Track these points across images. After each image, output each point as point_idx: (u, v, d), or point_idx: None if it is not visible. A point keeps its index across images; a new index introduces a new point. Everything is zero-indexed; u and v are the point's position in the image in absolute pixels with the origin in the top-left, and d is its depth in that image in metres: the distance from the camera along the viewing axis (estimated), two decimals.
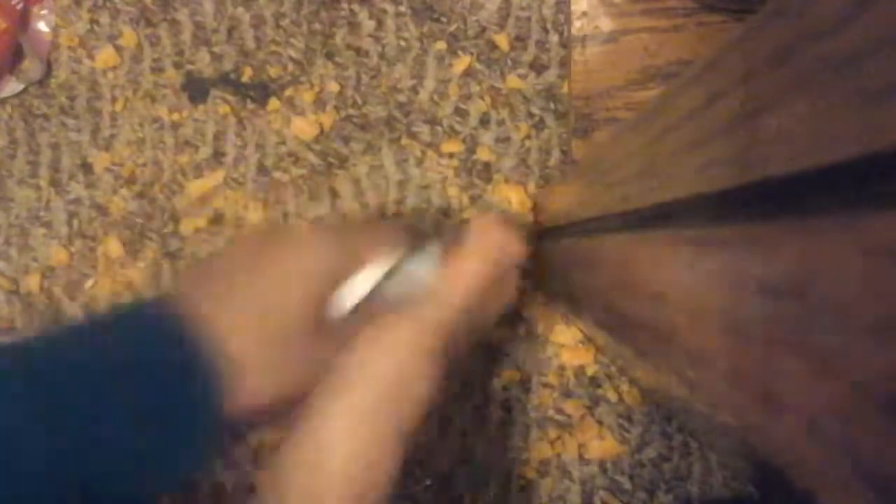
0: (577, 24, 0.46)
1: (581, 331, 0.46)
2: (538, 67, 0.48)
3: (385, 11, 0.50)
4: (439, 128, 0.49)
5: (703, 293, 0.17)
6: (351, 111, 0.49)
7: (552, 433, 0.46)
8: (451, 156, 0.48)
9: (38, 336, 0.27)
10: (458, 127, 0.48)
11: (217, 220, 0.49)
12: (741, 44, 0.15)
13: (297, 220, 0.47)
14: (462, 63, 0.49)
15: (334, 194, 0.49)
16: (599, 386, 0.46)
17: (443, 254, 0.34)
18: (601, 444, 0.46)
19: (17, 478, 0.23)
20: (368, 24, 0.50)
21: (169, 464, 0.27)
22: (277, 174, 0.49)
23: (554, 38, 0.48)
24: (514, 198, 0.48)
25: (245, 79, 0.50)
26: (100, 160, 0.50)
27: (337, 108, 0.49)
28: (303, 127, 0.49)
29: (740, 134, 0.15)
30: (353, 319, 0.32)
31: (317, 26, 0.50)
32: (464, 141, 0.48)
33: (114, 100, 0.51)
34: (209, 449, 0.28)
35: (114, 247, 0.50)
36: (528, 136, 0.48)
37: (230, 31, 0.50)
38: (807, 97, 0.12)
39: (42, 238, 0.50)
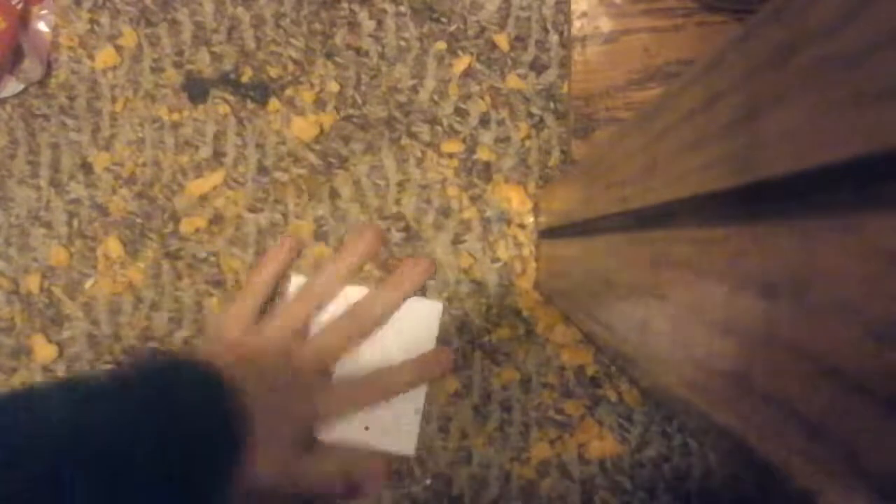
0: (577, 24, 0.46)
1: (581, 331, 0.46)
2: (538, 67, 0.48)
3: (385, 11, 0.50)
4: (439, 128, 0.49)
5: (703, 293, 0.17)
6: (351, 111, 0.49)
7: (552, 433, 0.46)
8: (451, 156, 0.48)
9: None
10: (458, 127, 0.48)
11: (217, 220, 0.49)
12: (741, 44, 0.15)
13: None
14: (462, 63, 0.49)
15: (334, 194, 0.49)
16: (599, 386, 0.46)
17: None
18: (601, 444, 0.46)
19: None
20: (368, 24, 0.50)
21: None
22: (277, 174, 0.49)
23: (554, 38, 0.48)
24: (514, 198, 0.48)
25: (245, 79, 0.50)
26: (100, 160, 0.50)
27: (337, 108, 0.49)
28: (303, 127, 0.49)
29: (740, 134, 0.15)
30: (328, 453, 0.40)
31: (317, 26, 0.50)
32: (464, 141, 0.48)
33: (114, 100, 0.51)
34: None
35: (114, 247, 0.50)
36: (528, 136, 0.48)
37: (230, 31, 0.50)
38: (807, 97, 0.12)
39: (42, 238, 0.50)
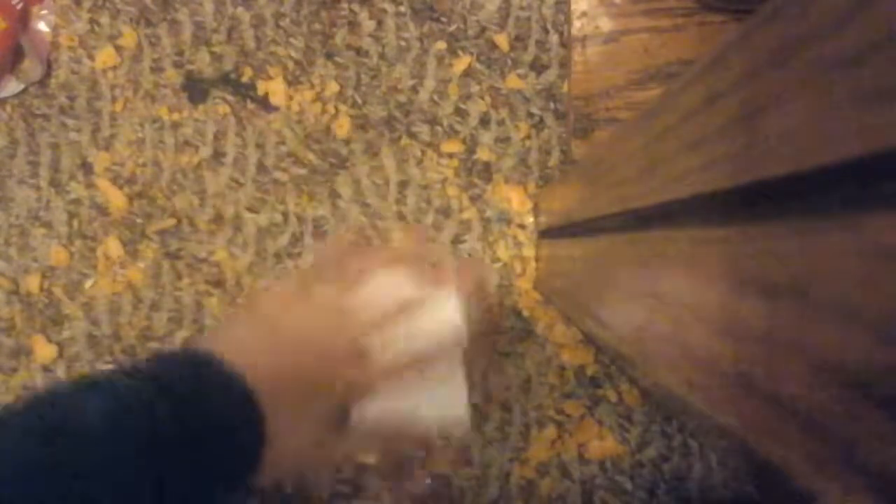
0: (577, 24, 0.46)
1: (581, 331, 0.46)
2: (538, 67, 0.48)
3: (385, 11, 0.50)
4: (439, 128, 0.49)
5: (703, 293, 0.17)
6: (351, 111, 0.49)
7: (552, 433, 0.46)
8: (451, 156, 0.48)
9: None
10: (458, 127, 0.48)
11: (217, 220, 0.49)
12: (741, 44, 0.15)
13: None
14: (462, 63, 0.49)
15: (334, 194, 0.49)
16: (599, 386, 0.46)
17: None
18: (601, 444, 0.46)
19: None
20: (368, 24, 0.50)
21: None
22: (277, 174, 0.49)
23: (554, 38, 0.48)
24: (514, 198, 0.48)
25: (245, 79, 0.50)
26: (100, 160, 0.50)
27: (337, 108, 0.49)
28: (304, 126, 0.49)
29: (740, 134, 0.15)
30: (364, 433, 0.37)
31: (317, 26, 0.50)
32: (464, 141, 0.48)
33: (114, 100, 0.51)
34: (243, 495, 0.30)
35: (114, 247, 0.50)
36: (528, 136, 0.48)
37: (230, 31, 0.50)
38: (807, 97, 0.12)
39: (42, 238, 0.50)
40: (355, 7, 0.50)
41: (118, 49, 0.51)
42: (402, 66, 0.49)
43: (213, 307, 0.49)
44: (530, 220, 0.48)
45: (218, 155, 0.50)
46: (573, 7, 0.46)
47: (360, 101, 0.49)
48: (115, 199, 0.50)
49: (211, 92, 0.50)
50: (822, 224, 0.12)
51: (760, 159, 0.14)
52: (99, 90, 0.51)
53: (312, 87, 0.49)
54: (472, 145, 0.48)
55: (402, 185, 0.49)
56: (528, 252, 0.48)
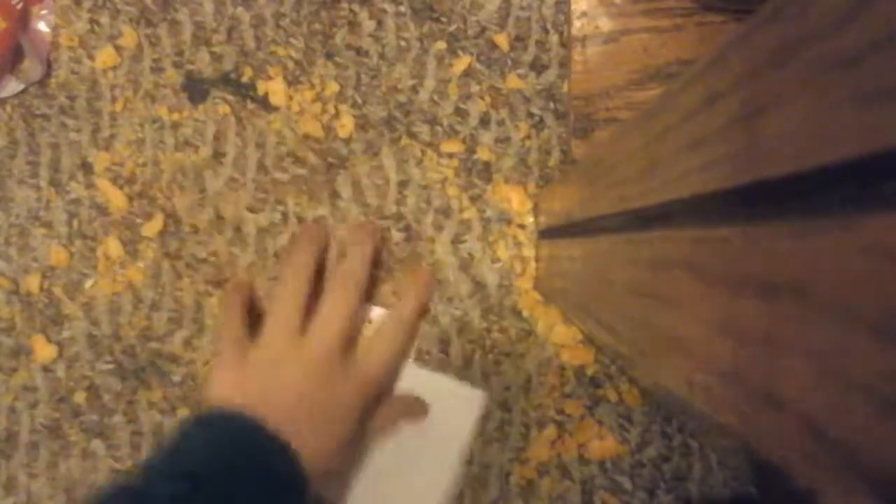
0: (577, 24, 0.46)
1: (581, 331, 0.46)
2: (538, 67, 0.48)
3: (385, 11, 0.50)
4: (439, 128, 0.49)
5: (703, 293, 0.17)
6: (351, 111, 0.49)
7: (552, 433, 0.46)
8: (451, 156, 0.48)
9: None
10: (458, 127, 0.48)
11: (217, 220, 0.49)
12: (741, 44, 0.15)
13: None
14: (462, 63, 0.49)
15: (334, 194, 0.49)
16: (599, 386, 0.46)
17: None
18: (601, 444, 0.46)
19: None
20: (368, 24, 0.50)
21: None
22: (277, 174, 0.49)
23: (554, 38, 0.48)
24: (514, 198, 0.48)
25: (245, 79, 0.50)
26: (100, 160, 0.50)
27: (337, 108, 0.49)
28: (304, 127, 0.49)
29: (740, 134, 0.15)
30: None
31: (317, 26, 0.50)
32: (464, 141, 0.48)
33: (114, 100, 0.51)
34: None
35: (114, 247, 0.50)
36: (528, 136, 0.48)
37: (230, 31, 0.50)
38: (807, 97, 0.12)
39: (42, 238, 0.50)
40: (355, 7, 0.50)
41: (118, 49, 0.51)
42: (402, 66, 0.49)
43: (213, 307, 0.49)
44: (530, 220, 0.48)
45: (218, 155, 0.50)
46: (573, 7, 0.46)
47: (360, 101, 0.49)
48: (115, 199, 0.50)
49: (211, 92, 0.50)
50: (822, 224, 0.12)
51: (760, 159, 0.14)
52: (99, 90, 0.51)
53: (312, 87, 0.49)
54: (472, 145, 0.48)
55: (402, 184, 0.49)
56: (528, 252, 0.48)
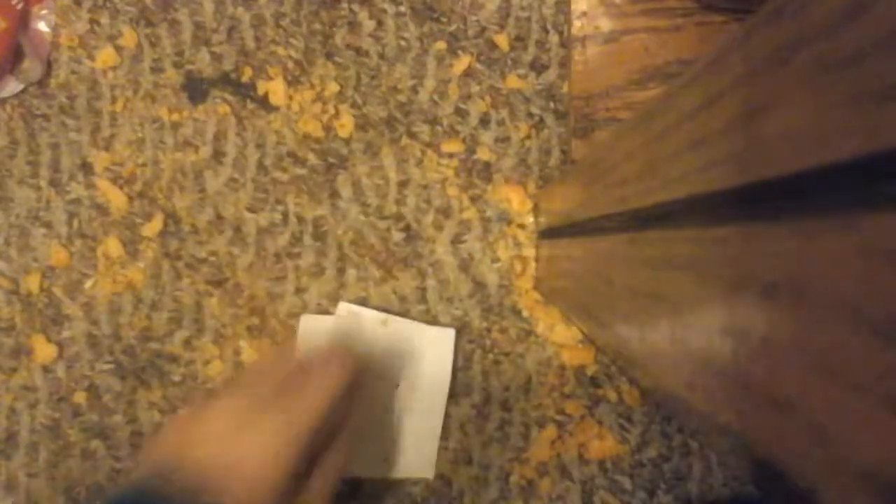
0: (577, 24, 0.46)
1: (581, 331, 0.46)
2: (538, 67, 0.48)
3: (385, 11, 0.50)
4: (439, 128, 0.49)
5: (703, 293, 0.17)
6: (351, 111, 0.49)
7: (552, 433, 0.46)
8: (451, 156, 0.48)
9: None
10: (458, 127, 0.48)
11: (217, 220, 0.49)
12: (741, 44, 0.15)
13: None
14: (462, 63, 0.49)
15: (334, 194, 0.49)
16: (599, 386, 0.46)
17: None
18: (601, 444, 0.46)
19: None
20: (368, 24, 0.50)
21: None
22: (277, 174, 0.49)
23: (554, 38, 0.48)
24: (514, 198, 0.48)
25: (245, 79, 0.50)
26: (100, 160, 0.50)
27: (337, 108, 0.49)
28: (304, 127, 0.49)
29: (740, 134, 0.15)
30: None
31: (317, 26, 0.50)
32: (464, 141, 0.48)
33: (114, 100, 0.51)
34: None
35: (114, 247, 0.50)
36: (528, 136, 0.48)
37: (230, 31, 0.50)
38: (807, 97, 0.12)
39: (42, 238, 0.50)
40: (355, 7, 0.50)
41: (118, 49, 0.51)
42: (402, 66, 0.49)
43: (213, 307, 0.49)
44: (530, 220, 0.48)
45: (218, 155, 0.50)
46: (573, 7, 0.46)
47: (360, 101, 0.49)
48: (115, 199, 0.50)
49: (211, 92, 0.50)
50: (822, 224, 0.12)
51: (760, 159, 0.14)
52: (99, 90, 0.51)
53: (312, 87, 0.49)
54: (472, 145, 0.48)
55: (402, 184, 0.49)
56: (528, 252, 0.48)
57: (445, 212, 0.48)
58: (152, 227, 0.49)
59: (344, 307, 0.47)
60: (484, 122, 0.48)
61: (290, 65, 0.50)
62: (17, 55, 0.50)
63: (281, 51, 0.50)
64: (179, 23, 0.51)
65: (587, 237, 0.32)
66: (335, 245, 0.49)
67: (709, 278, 0.17)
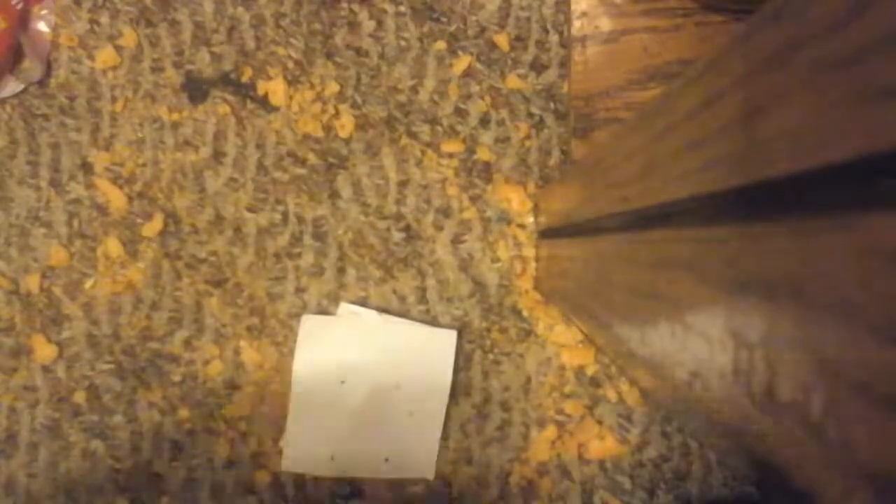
0: (577, 24, 0.46)
1: (581, 331, 0.46)
2: (538, 67, 0.48)
3: (385, 11, 0.50)
4: (439, 128, 0.49)
5: (703, 293, 0.17)
6: (351, 111, 0.49)
7: (552, 433, 0.46)
8: (451, 156, 0.48)
9: None
10: (458, 127, 0.48)
11: (217, 220, 0.49)
12: (741, 44, 0.15)
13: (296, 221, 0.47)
14: (462, 63, 0.49)
15: (334, 194, 0.49)
16: (599, 386, 0.46)
17: None
18: (601, 444, 0.46)
19: None
20: (368, 24, 0.50)
21: None
22: (277, 174, 0.49)
23: (554, 38, 0.48)
24: (514, 198, 0.48)
25: (245, 79, 0.50)
26: (100, 160, 0.50)
27: (337, 108, 0.49)
28: (304, 127, 0.49)
29: (740, 134, 0.15)
30: None
31: (317, 26, 0.50)
32: (464, 141, 0.48)
33: (114, 100, 0.51)
34: None
35: (114, 247, 0.50)
36: (527, 136, 0.48)
37: (230, 31, 0.50)
38: (807, 97, 0.12)
39: (42, 238, 0.50)
40: (355, 7, 0.50)
41: (118, 49, 0.51)
42: (402, 66, 0.49)
43: (212, 307, 0.49)
44: (530, 220, 0.48)
45: (218, 155, 0.50)
46: (573, 7, 0.46)
47: (360, 101, 0.49)
48: (115, 199, 0.50)
49: (211, 92, 0.50)
50: (822, 224, 0.12)
51: (760, 159, 0.14)
52: (99, 90, 0.51)
53: (312, 87, 0.49)
54: (472, 145, 0.48)
55: (402, 184, 0.49)
56: (528, 252, 0.48)
57: (445, 212, 0.48)
58: (152, 227, 0.49)
59: (344, 307, 0.47)
60: (484, 122, 0.48)
61: (290, 65, 0.50)
62: (17, 55, 0.50)
63: (281, 51, 0.50)
64: (179, 23, 0.51)
65: (587, 237, 0.32)
66: (335, 245, 0.49)
67: (709, 278, 0.17)
